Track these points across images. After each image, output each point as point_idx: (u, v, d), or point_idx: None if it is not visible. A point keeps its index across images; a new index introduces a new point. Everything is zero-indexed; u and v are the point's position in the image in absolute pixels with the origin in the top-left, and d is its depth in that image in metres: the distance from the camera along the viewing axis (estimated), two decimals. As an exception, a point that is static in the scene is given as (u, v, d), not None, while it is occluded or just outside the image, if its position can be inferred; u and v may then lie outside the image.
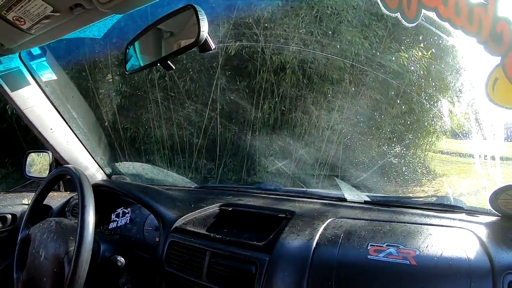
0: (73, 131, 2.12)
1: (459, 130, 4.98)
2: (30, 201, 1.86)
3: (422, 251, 1.15)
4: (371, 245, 1.21)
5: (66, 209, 2.27)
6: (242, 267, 1.35)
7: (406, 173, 5.21)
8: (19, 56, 1.78)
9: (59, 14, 1.20)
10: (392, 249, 1.17)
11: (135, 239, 1.92)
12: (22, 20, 1.26)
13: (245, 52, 5.44)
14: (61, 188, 2.43)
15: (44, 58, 1.90)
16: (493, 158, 1.67)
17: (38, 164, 2.37)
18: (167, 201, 1.88)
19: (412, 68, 5.10)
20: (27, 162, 2.37)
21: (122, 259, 1.63)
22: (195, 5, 1.08)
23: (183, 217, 1.71)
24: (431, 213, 1.48)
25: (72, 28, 1.37)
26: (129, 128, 5.78)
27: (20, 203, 2.24)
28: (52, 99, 1.99)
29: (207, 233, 1.59)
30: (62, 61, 5.02)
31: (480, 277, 1.04)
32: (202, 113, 5.60)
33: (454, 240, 1.20)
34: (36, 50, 1.84)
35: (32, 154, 2.38)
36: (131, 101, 5.80)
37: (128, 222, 2.01)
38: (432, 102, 5.51)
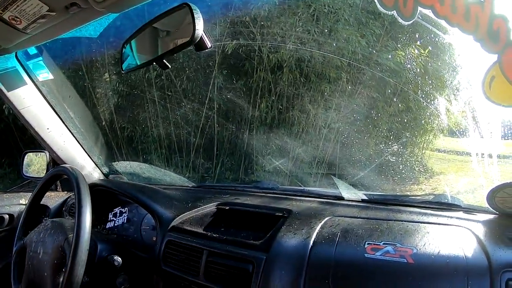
0: (70, 131, 2.12)
1: (456, 128, 4.99)
2: (27, 201, 1.86)
3: (420, 249, 1.15)
4: (368, 244, 1.21)
5: (64, 209, 2.27)
6: (239, 266, 1.35)
7: (403, 171, 5.21)
8: (16, 56, 1.78)
9: (55, 13, 1.19)
10: (389, 248, 1.17)
11: (132, 239, 1.92)
12: (18, 19, 1.26)
13: (242, 51, 5.44)
14: (58, 188, 2.42)
15: (40, 58, 1.90)
16: (490, 156, 1.67)
17: (35, 164, 2.36)
18: (164, 200, 1.88)
19: (409, 66, 5.10)
20: (24, 162, 2.36)
21: (119, 258, 1.63)
22: (190, 4, 1.08)
23: (180, 216, 1.71)
24: (429, 211, 1.48)
25: (68, 28, 1.37)
26: (126, 127, 5.77)
27: (17, 203, 2.24)
28: (48, 98, 1.99)
29: (204, 232, 1.58)
30: (58, 61, 5.00)
31: (477, 275, 1.04)
32: (200, 112, 5.59)
33: (451, 238, 1.20)
34: (32, 50, 1.84)
35: (29, 154, 2.38)
36: (128, 100, 5.79)
37: (125, 221, 2.00)
38: (429, 100, 5.52)
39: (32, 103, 1.92)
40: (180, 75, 5.56)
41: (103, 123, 5.69)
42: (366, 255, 1.17)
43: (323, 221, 1.41)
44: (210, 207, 1.78)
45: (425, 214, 1.45)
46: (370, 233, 1.28)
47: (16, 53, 1.74)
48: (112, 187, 2.10)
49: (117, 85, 5.79)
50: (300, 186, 4.61)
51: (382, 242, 1.20)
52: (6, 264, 2.01)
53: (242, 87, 5.56)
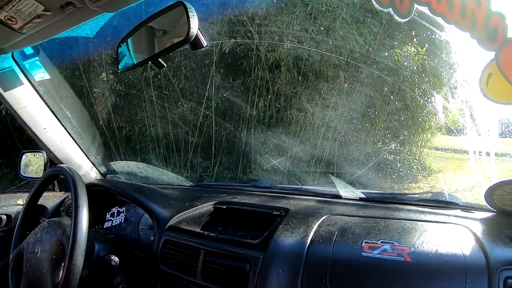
0: (67, 131, 2.11)
1: (454, 126, 5.00)
2: (24, 201, 1.85)
3: (417, 247, 1.15)
4: (365, 242, 1.21)
5: (61, 209, 2.27)
6: (237, 265, 1.35)
7: (401, 169, 5.22)
8: (12, 56, 1.77)
9: (50, 13, 1.19)
10: (386, 246, 1.17)
11: (130, 238, 1.92)
12: (14, 19, 1.25)
13: (240, 50, 5.44)
14: (56, 188, 2.42)
15: (37, 58, 1.89)
16: (488, 154, 1.67)
17: (33, 165, 2.36)
18: (162, 200, 1.88)
19: (407, 64, 5.11)
20: (22, 162, 2.36)
21: (117, 258, 1.63)
22: (185, 2, 1.07)
23: (177, 216, 1.71)
24: (426, 209, 1.48)
25: (64, 27, 1.36)
26: (123, 127, 5.75)
27: (15, 203, 2.24)
28: (45, 98, 1.98)
29: (202, 231, 1.58)
30: (55, 61, 5.00)
31: (475, 274, 1.04)
32: (197, 111, 5.59)
33: (449, 237, 1.20)
34: (29, 50, 1.83)
35: (27, 154, 2.37)
36: (125, 100, 5.79)
37: (123, 221, 2.00)
38: (426, 98, 5.53)
39: (29, 103, 1.91)
40: (177, 74, 5.55)
41: (101, 122, 5.68)
42: (363, 253, 1.17)
43: (320, 220, 1.41)
44: (207, 206, 1.78)
45: (423, 212, 1.45)
46: (367, 231, 1.28)
47: (12, 53, 1.74)
48: (109, 187, 2.09)
49: (114, 84, 5.78)
50: (298, 184, 4.63)
51: (380, 241, 1.20)
52: (4, 265, 2.00)
53: (239, 86, 5.56)
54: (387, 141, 5.47)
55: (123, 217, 2.01)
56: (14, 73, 1.83)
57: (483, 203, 1.37)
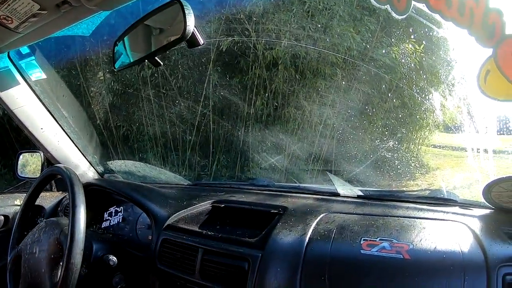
0: (64, 130, 2.11)
1: (451, 124, 5.01)
2: (22, 201, 1.85)
3: (416, 245, 1.15)
4: (364, 240, 1.21)
5: (59, 209, 2.26)
6: (235, 263, 1.35)
7: (399, 167, 5.23)
8: (8, 56, 1.77)
9: (46, 12, 1.18)
10: (385, 244, 1.17)
11: (128, 238, 1.92)
12: (10, 19, 1.25)
13: (237, 48, 5.43)
14: (53, 188, 2.41)
15: (33, 57, 1.88)
16: (485, 151, 1.67)
17: (30, 165, 2.35)
18: (159, 199, 1.87)
19: (404, 61, 5.11)
20: (19, 162, 2.35)
21: (115, 258, 1.63)
22: (181, 0, 1.07)
23: (175, 215, 1.71)
24: (425, 206, 1.48)
25: (60, 26, 1.36)
26: (121, 126, 5.75)
27: (12, 204, 2.23)
28: (42, 98, 1.98)
29: (200, 230, 1.58)
30: (51, 60, 4.99)
31: (474, 270, 1.04)
32: (195, 110, 5.59)
33: (447, 234, 1.20)
34: (25, 49, 1.83)
35: (24, 154, 2.36)
36: (122, 99, 5.78)
37: (120, 221, 2.00)
38: (424, 96, 5.54)
39: (25, 103, 1.91)
40: (175, 73, 5.55)
41: (98, 122, 5.68)
42: (362, 251, 1.17)
43: (318, 218, 1.41)
44: (205, 205, 1.78)
45: (421, 209, 1.45)
46: (366, 229, 1.28)
47: (8, 52, 1.73)
48: (107, 186, 2.09)
49: (111, 83, 5.77)
50: (296, 182, 4.62)
51: (378, 238, 1.20)
52: (2, 267, 2.00)
53: (237, 84, 5.56)
54: (385, 138, 5.47)
55: (121, 217, 2.01)
56: (10, 73, 1.82)
57: (481, 200, 1.38)
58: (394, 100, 5.37)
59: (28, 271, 1.50)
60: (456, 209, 1.43)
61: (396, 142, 5.52)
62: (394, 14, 1.25)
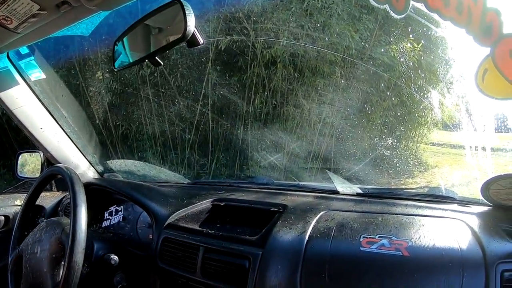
0: (63, 130, 2.11)
1: (450, 122, 5.02)
2: (22, 202, 1.85)
3: (415, 242, 1.15)
4: (363, 237, 1.22)
5: (59, 208, 2.26)
6: (236, 262, 1.35)
7: (398, 165, 5.23)
8: (7, 56, 1.77)
9: (45, 12, 1.18)
10: (384, 241, 1.18)
11: (128, 237, 1.92)
12: (9, 19, 1.25)
13: (236, 47, 5.43)
14: (53, 188, 2.41)
15: (32, 57, 1.88)
16: (484, 148, 1.68)
17: (30, 165, 2.35)
18: (160, 198, 1.88)
19: (403, 60, 5.12)
20: (19, 162, 2.35)
21: (116, 257, 1.63)
22: (181, 0, 1.07)
23: (175, 213, 1.71)
24: (423, 204, 1.49)
25: (60, 26, 1.36)
26: (120, 125, 5.74)
27: (12, 204, 2.24)
28: (41, 98, 1.98)
29: (200, 228, 1.59)
30: (51, 60, 4.99)
31: (472, 267, 1.05)
32: (194, 109, 5.58)
33: (446, 231, 1.21)
34: (24, 49, 1.83)
35: (24, 154, 2.36)
36: (122, 98, 5.77)
37: (121, 220, 2.00)
38: (423, 94, 5.55)
39: (25, 103, 1.91)
40: (174, 72, 5.54)
41: (97, 121, 5.67)
42: (361, 248, 1.18)
43: (318, 216, 1.42)
44: (205, 204, 1.78)
45: (420, 207, 1.46)
46: (365, 226, 1.29)
47: (7, 53, 1.73)
48: (107, 186, 2.09)
49: (110, 83, 5.77)
50: (295, 181, 4.63)
51: (378, 236, 1.21)
52: (3, 267, 2.00)
53: (236, 83, 5.56)
54: (383, 136, 5.48)
55: (121, 216, 2.01)
56: (9, 73, 1.82)
57: (480, 197, 1.38)
58: (393, 99, 5.37)
59: (30, 271, 1.50)
60: (455, 206, 1.44)
61: (395, 140, 5.53)
62: (392, 14, 1.26)
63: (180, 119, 5.64)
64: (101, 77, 5.86)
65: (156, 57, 1.21)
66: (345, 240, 1.23)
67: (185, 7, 1.07)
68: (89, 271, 1.56)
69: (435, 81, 5.17)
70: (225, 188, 2.05)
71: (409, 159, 5.62)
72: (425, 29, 4.76)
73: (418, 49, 5.08)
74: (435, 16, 1.21)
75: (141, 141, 5.82)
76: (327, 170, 4.58)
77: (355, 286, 1.14)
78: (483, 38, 1.14)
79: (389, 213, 1.40)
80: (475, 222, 1.25)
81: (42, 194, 1.83)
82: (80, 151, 2.22)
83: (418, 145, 6.00)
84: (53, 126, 2.06)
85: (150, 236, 1.75)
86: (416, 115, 5.61)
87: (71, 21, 1.30)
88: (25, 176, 2.35)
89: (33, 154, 2.29)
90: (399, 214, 1.38)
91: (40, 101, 1.97)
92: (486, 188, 1.33)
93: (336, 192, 1.75)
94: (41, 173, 2.15)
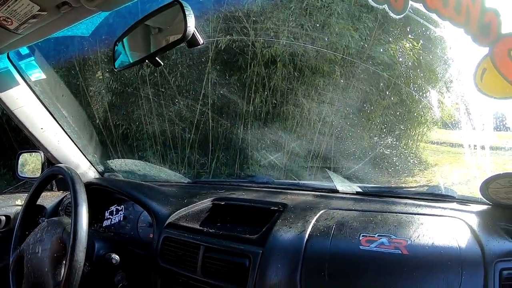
0: (64, 130, 2.11)
1: (449, 121, 5.02)
2: (23, 202, 1.85)
3: (414, 240, 1.16)
4: (363, 236, 1.22)
5: (60, 208, 2.26)
6: (236, 260, 1.36)
7: (397, 163, 5.23)
8: (8, 57, 1.77)
9: (46, 13, 1.19)
10: (383, 239, 1.18)
11: (129, 236, 1.92)
12: (9, 20, 1.25)
13: (236, 46, 5.42)
14: (54, 187, 2.42)
15: (32, 58, 1.88)
16: (483, 147, 1.69)
17: (30, 164, 2.36)
18: (160, 197, 1.88)
19: (402, 59, 5.12)
20: (19, 162, 2.35)
21: (117, 256, 1.64)
22: (181, 1, 1.08)
23: (176, 213, 1.71)
24: (423, 202, 1.49)
25: (60, 27, 1.36)
26: (120, 125, 5.74)
27: (13, 204, 2.24)
28: (42, 98, 1.98)
29: (200, 227, 1.59)
30: (51, 60, 4.99)
31: (471, 266, 1.06)
32: (194, 108, 5.58)
33: (445, 229, 1.21)
34: (24, 50, 1.83)
35: (24, 154, 2.36)
36: (122, 98, 5.77)
37: (121, 219, 2.01)
38: (422, 93, 5.55)
39: (25, 103, 1.91)
40: (173, 71, 5.54)
41: (97, 121, 5.67)
42: (361, 247, 1.18)
43: (318, 214, 1.42)
44: (205, 203, 1.78)
45: (419, 205, 1.46)
46: (364, 225, 1.29)
47: (8, 53, 1.73)
48: (107, 185, 2.10)
49: (110, 82, 5.76)
50: (295, 180, 4.63)
51: (377, 234, 1.22)
52: (4, 267, 2.01)
53: (236, 82, 5.55)
54: (383, 135, 5.48)
55: (122, 215, 2.02)
56: (10, 74, 1.83)
57: (479, 196, 1.38)
58: (392, 98, 5.37)
59: (31, 271, 1.50)
60: (454, 205, 1.45)
61: (395, 139, 5.53)
62: (391, 14, 1.26)
63: (180, 119, 5.64)
64: (101, 77, 5.85)
65: (156, 58, 1.21)
66: (344, 239, 1.24)
67: (185, 8, 1.07)
68: (90, 270, 1.56)
69: (435, 80, 5.17)
70: (225, 187, 2.06)
71: (408, 157, 5.62)
72: (424, 28, 4.77)
73: (417, 48, 5.08)
74: (434, 16, 1.22)
75: (141, 141, 5.82)
76: (327, 169, 4.57)
77: (355, 284, 1.15)
78: (481, 38, 1.14)
79: (388, 212, 1.41)
80: (474, 221, 1.25)
81: (43, 194, 1.83)
82: (81, 151, 2.23)
83: (417, 144, 5.99)
84: (54, 126, 2.06)
85: (151, 235, 1.76)
86: (416, 114, 5.61)
87: (71, 21, 1.30)
88: (26, 176, 2.36)
89: (34, 154, 2.29)
90: (399, 213, 1.39)
91: (41, 101, 1.98)
92: (485, 186, 1.33)
93: (336, 191, 1.75)
94: (41, 173, 2.15)
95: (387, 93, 5.32)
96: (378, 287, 1.12)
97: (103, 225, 2.05)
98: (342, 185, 1.77)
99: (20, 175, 2.35)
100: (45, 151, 2.11)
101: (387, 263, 1.12)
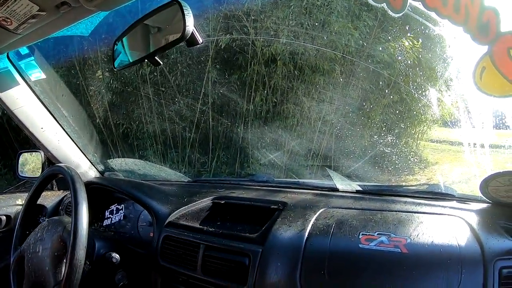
0: (64, 130, 2.11)
1: (449, 119, 5.02)
2: (24, 201, 1.85)
3: (413, 239, 1.16)
4: (362, 234, 1.22)
5: (60, 208, 2.27)
6: (236, 259, 1.36)
7: (397, 162, 5.23)
8: (7, 57, 1.77)
9: (45, 13, 1.18)
10: (383, 238, 1.19)
11: (129, 235, 1.92)
12: (9, 20, 1.25)
13: (236, 45, 5.42)
14: (54, 187, 2.42)
15: (32, 58, 1.88)
16: (482, 146, 1.69)
17: (31, 164, 2.36)
18: (160, 196, 1.88)
19: (402, 58, 5.11)
20: (20, 162, 2.35)
21: (117, 255, 1.64)
22: (180, 0, 1.08)
23: (176, 212, 1.71)
24: (422, 201, 1.50)
25: (59, 27, 1.36)
26: (121, 124, 5.75)
27: (14, 204, 2.24)
28: (42, 98, 1.98)
29: (201, 226, 1.59)
30: (51, 60, 5.00)
31: (471, 264, 1.06)
32: (194, 107, 5.58)
33: (445, 228, 1.21)
34: (24, 50, 1.83)
35: (24, 154, 2.36)
36: (122, 97, 5.77)
37: (122, 218, 2.01)
38: (421, 92, 5.54)
39: (25, 103, 1.91)
40: (173, 70, 5.54)
41: (97, 120, 5.68)
42: (360, 245, 1.19)
43: (317, 213, 1.43)
44: (205, 202, 1.79)
45: (419, 204, 1.46)
46: (364, 223, 1.29)
47: (7, 53, 1.73)
48: (107, 185, 2.10)
49: (110, 82, 5.76)
50: (295, 178, 4.64)
51: (376, 233, 1.22)
52: (5, 267, 2.01)
53: (236, 81, 5.55)
54: (383, 134, 5.48)
55: (122, 215, 2.02)
56: (9, 74, 1.82)
57: (479, 194, 1.39)
58: (392, 96, 5.36)
59: (32, 270, 1.50)
60: (454, 203, 1.45)
61: (394, 137, 5.53)
62: (390, 13, 1.27)
63: (181, 118, 5.65)
64: (101, 77, 5.86)
65: (156, 57, 1.21)
66: (344, 237, 1.24)
67: (183, 7, 1.07)
68: (91, 269, 1.56)
69: (434, 78, 5.16)
70: (225, 186, 2.06)
71: (408, 156, 5.61)
72: (423, 27, 4.76)
73: (417, 46, 5.08)
74: (433, 14, 1.22)
75: (141, 140, 5.83)
76: (326, 168, 4.57)
77: (354, 282, 1.15)
78: (480, 36, 1.14)
79: (388, 210, 1.41)
80: (474, 219, 1.25)
81: (43, 193, 1.83)
82: (81, 150, 2.22)
83: (417, 142, 5.99)
84: (54, 125, 2.06)
85: (151, 234, 1.76)
86: (416, 112, 5.60)
87: (71, 21, 1.30)
88: (26, 175, 2.36)
89: (34, 153, 2.29)
90: (398, 211, 1.39)
91: (41, 101, 1.97)
92: (485, 185, 1.33)
93: (336, 190, 1.76)
94: (42, 172, 2.15)
95: (387, 91, 5.32)
96: (377, 285, 1.12)
97: (104, 224, 2.05)
98: (342, 184, 1.78)
99: (21, 174, 2.35)
100: (45, 150, 2.11)
101: (387, 261, 1.13)
